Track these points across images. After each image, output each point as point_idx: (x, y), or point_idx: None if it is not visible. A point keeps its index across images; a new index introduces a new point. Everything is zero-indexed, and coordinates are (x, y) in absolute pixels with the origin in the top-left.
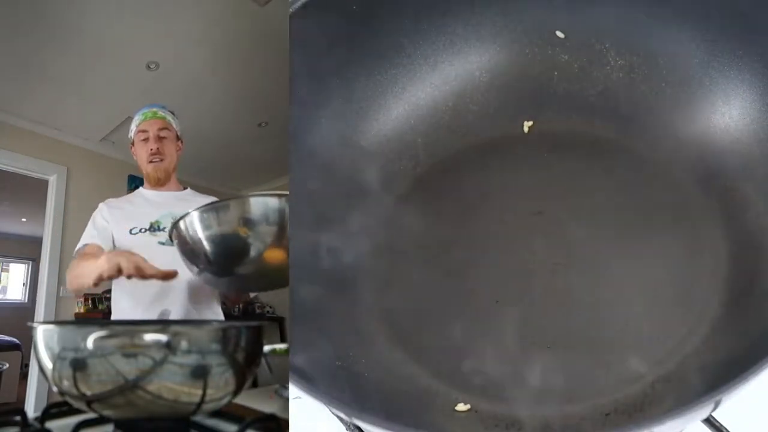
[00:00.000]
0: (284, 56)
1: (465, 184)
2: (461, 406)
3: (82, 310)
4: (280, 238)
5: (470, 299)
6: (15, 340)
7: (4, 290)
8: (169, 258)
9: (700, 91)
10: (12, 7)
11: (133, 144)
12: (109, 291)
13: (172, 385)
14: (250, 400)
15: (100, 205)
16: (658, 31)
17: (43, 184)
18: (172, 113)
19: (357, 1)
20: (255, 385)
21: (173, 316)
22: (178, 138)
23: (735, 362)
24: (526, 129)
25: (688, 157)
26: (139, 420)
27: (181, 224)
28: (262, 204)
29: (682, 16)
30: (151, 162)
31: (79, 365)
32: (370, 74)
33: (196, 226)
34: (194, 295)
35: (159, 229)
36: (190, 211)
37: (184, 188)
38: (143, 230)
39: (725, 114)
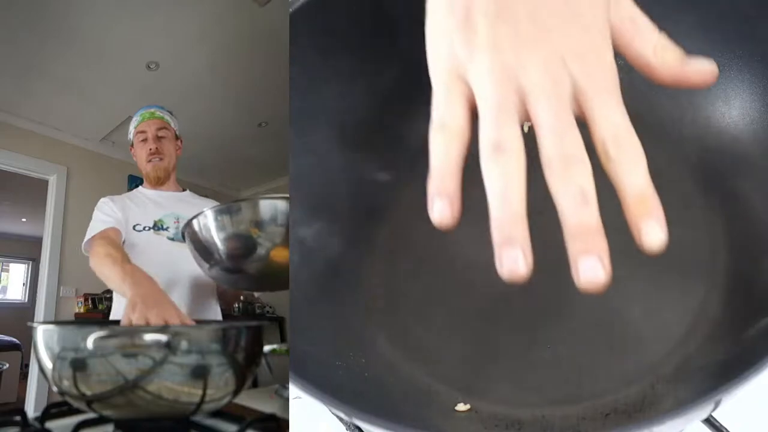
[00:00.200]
0: (284, 56)
1: (465, 184)
2: (461, 406)
3: (82, 310)
4: (287, 239)
5: (471, 298)
6: (15, 340)
7: (4, 290)
8: (176, 254)
9: (700, 91)
10: (12, 7)
11: (132, 145)
12: (109, 291)
13: (172, 385)
14: (250, 400)
15: (104, 199)
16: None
17: (43, 184)
18: (171, 113)
19: (357, 1)
20: (255, 385)
21: None
22: (177, 137)
23: (735, 362)
24: (526, 129)
25: (688, 157)
26: (139, 420)
27: (195, 223)
28: (272, 206)
29: (682, 16)
30: (150, 161)
31: (79, 365)
32: (371, 74)
33: (210, 225)
34: (195, 295)
35: (162, 228)
36: (204, 210)
37: (183, 190)
38: (147, 228)
39: (725, 114)
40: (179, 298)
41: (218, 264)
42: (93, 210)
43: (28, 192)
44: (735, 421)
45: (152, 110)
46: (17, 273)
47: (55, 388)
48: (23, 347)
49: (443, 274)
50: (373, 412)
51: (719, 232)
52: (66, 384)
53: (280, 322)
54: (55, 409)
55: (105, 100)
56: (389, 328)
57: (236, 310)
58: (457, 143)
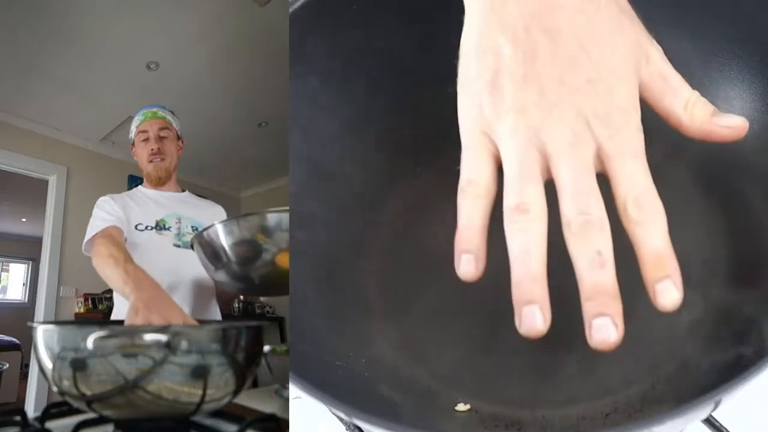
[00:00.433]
0: (284, 56)
1: None
2: (461, 406)
3: (82, 310)
4: None
5: (470, 299)
6: (15, 340)
7: (4, 290)
8: (177, 259)
9: (700, 91)
10: (12, 7)
11: (133, 145)
12: (109, 291)
13: (172, 385)
14: (250, 400)
15: (104, 197)
16: (658, 31)
17: (43, 184)
18: (172, 113)
19: (357, 1)
20: (255, 385)
21: None
22: (178, 137)
23: (735, 362)
24: None
25: (688, 157)
26: (139, 420)
27: (205, 234)
28: (277, 217)
29: (682, 16)
30: (152, 161)
31: (79, 365)
32: (371, 74)
33: (219, 234)
34: (197, 297)
35: (165, 228)
36: (214, 223)
37: (183, 190)
38: (149, 227)
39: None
40: (181, 300)
41: (224, 268)
42: (93, 209)
43: (28, 192)
44: (735, 421)
45: (154, 110)
46: (17, 273)
47: (55, 388)
48: (23, 347)
49: (443, 275)
50: (373, 412)
51: (719, 232)
52: (66, 384)
53: (280, 322)
54: (55, 409)
55: (105, 100)
56: (389, 329)
57: (236, 310)
58: (482, 202)
